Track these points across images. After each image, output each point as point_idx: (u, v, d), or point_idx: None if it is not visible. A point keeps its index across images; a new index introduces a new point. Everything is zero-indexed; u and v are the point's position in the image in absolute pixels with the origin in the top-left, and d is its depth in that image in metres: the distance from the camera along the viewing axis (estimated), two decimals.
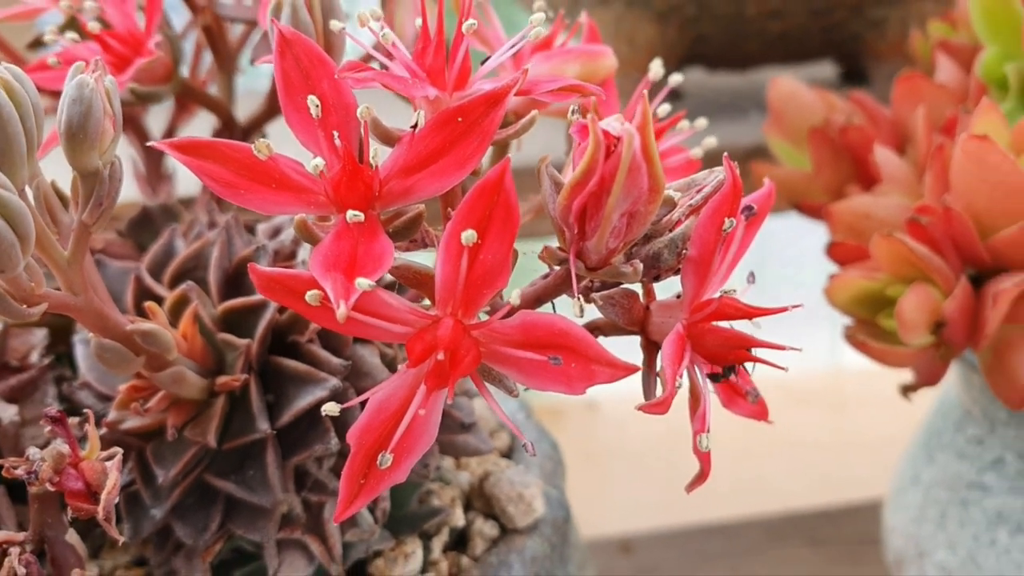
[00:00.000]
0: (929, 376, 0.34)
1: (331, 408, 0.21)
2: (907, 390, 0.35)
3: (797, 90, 0.40)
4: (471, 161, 0.22)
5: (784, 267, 1.14)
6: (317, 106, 0.22)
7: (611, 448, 1.06)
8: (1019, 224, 0.31)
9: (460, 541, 0.32)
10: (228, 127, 0.34)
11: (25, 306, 0.22)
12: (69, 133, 0.21)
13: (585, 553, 0.38)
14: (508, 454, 0.36)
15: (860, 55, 0.58)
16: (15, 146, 0.21)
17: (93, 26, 0.30)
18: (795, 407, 1.13)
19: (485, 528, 0.32)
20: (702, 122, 0.31)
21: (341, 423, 0.27)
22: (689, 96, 0.63)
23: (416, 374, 0.21)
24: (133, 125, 0.38)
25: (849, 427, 1.03)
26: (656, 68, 0.29)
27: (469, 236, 0.20)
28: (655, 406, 0.23)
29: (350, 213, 0.21)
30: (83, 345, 0.29)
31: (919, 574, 0.44)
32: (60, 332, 0.34)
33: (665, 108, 0.29)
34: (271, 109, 0.35)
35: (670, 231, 0.23)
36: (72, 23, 0.40)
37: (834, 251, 0.35)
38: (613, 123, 0.20)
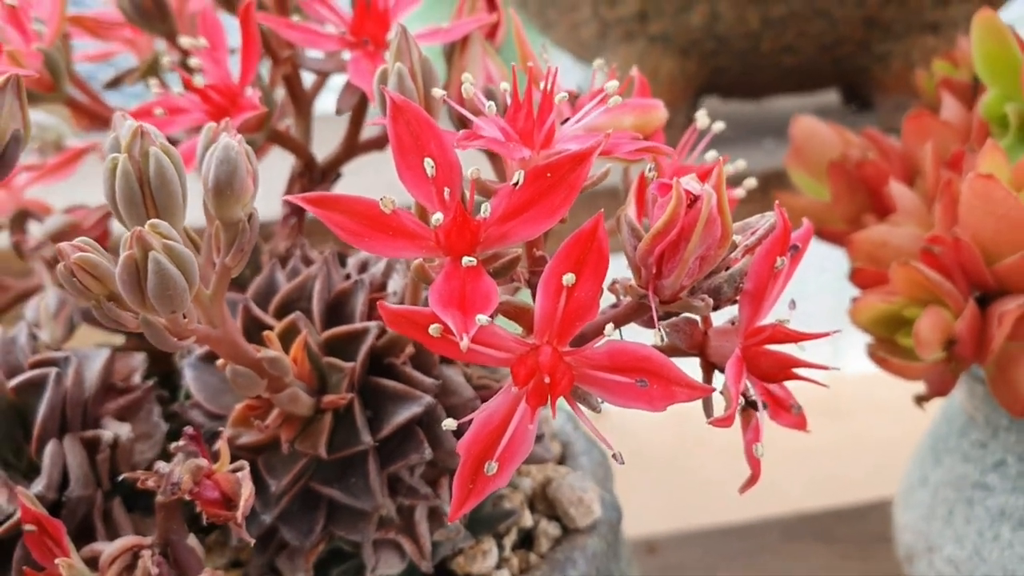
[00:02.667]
0: (940, 387, 0.38)
1: (449, 423, 0.25)
2: (920, 400, 0.39)
3: (817, 127, 0.44)
4: (559, 211, 0.26)
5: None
6: (432, 166, 0.25)
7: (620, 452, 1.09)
8: (1021, 253, 0.35)
9: (525, 540, 0.36)
10: (309, 167, 0.38)
11: (176, 339, 0.25)
12: (217, 189, 0.25)
13: (630, 551, 0.42)
14: (562, 461, 0.40)
15: (866, 86, 0.62)
16: (176, 201, 0.25)
17: (198, 80, 0.34)
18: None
19: (549, 528, 0.36)
20: (741, 164, 0.34)
21: (432, 436, 0.31)
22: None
23: (518, 394, 0.25)
24: None
25: (851, 432, 1.07)
26: (702, 119, 0.33)
27: (569, 278, 0.24)
28: (722, 421, 0.27)
29: (465, 259, 0.25)
30: (192, 369, 0.32)
31: (929, 568, 0.48)
32: (155, 356, 0.38)
33: (712, 154, 0.33)
34: (347, 151, 0.38)
35: (727, 268, 0.27)
36: (151, 69, 0.44)
37: (856, 276, 0.38)
38: (692, 183, 0.24)
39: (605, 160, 0.28)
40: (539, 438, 0.34)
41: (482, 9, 0.37)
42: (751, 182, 0.34)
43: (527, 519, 0.35)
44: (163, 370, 0.37)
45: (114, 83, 0.44)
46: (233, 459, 0.29)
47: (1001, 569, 0.44)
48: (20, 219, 0.42)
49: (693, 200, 0.24)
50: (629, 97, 0.35)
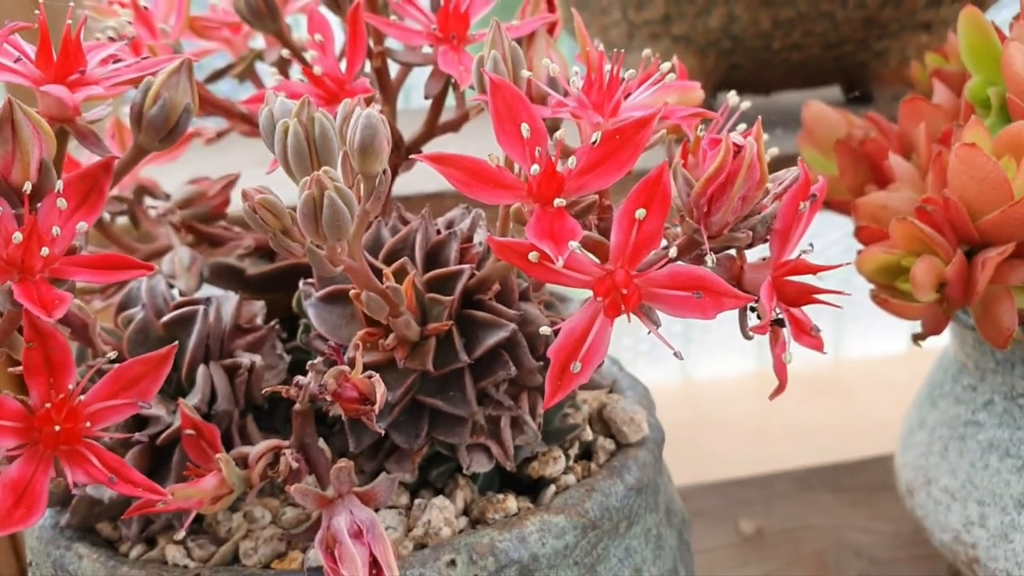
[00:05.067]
0: (934, 327, 0.45)
1: (545, 330, 0.32)
2: (916, 338, 0.46)
3: (825, 111, 0.51)
4: (627, 166, 0.32)
5: None
6: (528, 130, 0.32)
7: None
8: (1000, 209, 0.41)
9: (586, 454, 0.42)
10: (397, 145, 0.45)
11: (331, 265, 0.32)
12: (362, 148, 0.31)
13: (671, 475, 0.48)
14: (612, 390, 0.47)
15: (866, 80, 0.69)
16: (334, 155, 0.31)
17: (317, 69, 0.40)
18: (804, 394, 1.24)
19: (606, 444, 0.42)
20: (764, 137, 0.41)
21: (515, 357, 0.37)
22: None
23: (597, 306, 0.32)
24: None
25: (854, 410, 1.14)
26: (732, 98, 0.40)
27: (641, 213, 0.31)
28: (759, 328, 0.33)
29: (556, 201, 0.31)
30: (314, 308, 0.39)
31: (927, 498, 0.54)
32: (272, 305, 0.44)
33: (742, 126, 0.40)
34: (428, 132, 0.45)
35: (762, 212, 0.34)
36: (250, 65, 0.51)
37: (860, 233, 0.45)
38: (737, 137, 0.30)
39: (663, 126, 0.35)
40: (599, 367, 0.41)
41: (544, 9, 0.43)
42: (774, 151, 0.41)
43: (588, 434, 0.42)
44: (275, 315, 0.44)
45: (216, 76, 0.51)
46: None
47: (990, 493, 0.51)
48: (139, 194, 0.49)
49: (738, 150, 0.30)
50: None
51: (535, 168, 0.32)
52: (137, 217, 0.48)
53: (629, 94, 0.36)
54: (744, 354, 1.32)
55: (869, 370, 1.29)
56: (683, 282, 0.31)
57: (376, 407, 0.33)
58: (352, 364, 0.35)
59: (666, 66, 0.35)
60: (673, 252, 0.31)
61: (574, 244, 0.30)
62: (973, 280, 0.42)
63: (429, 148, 0.46)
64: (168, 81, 0.33)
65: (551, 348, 0.32)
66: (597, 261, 0.32)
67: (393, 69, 0.45)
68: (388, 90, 0.45)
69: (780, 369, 0.36)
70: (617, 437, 0.43)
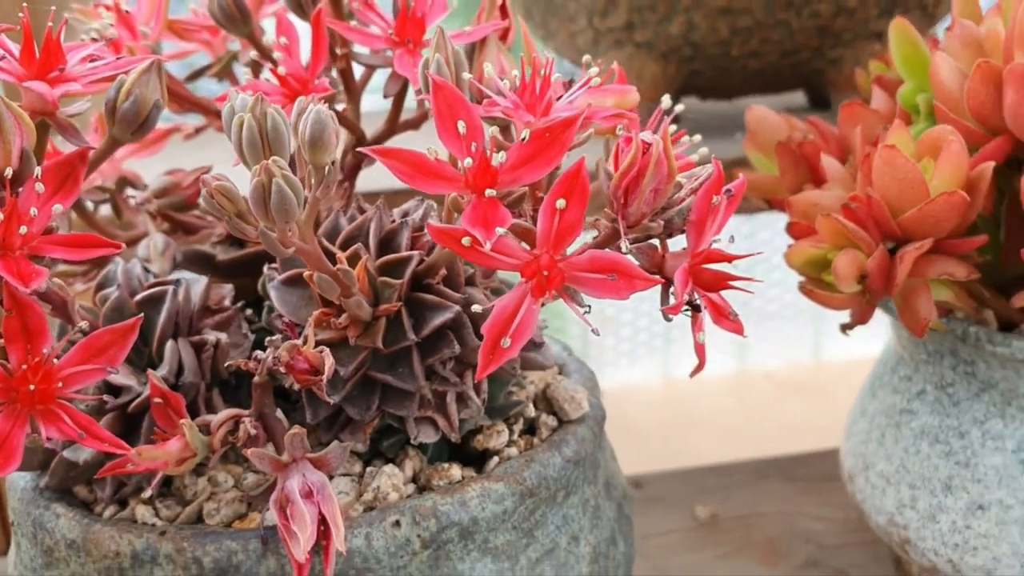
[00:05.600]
0: (861, 317, 0.48)
1: (477, 308, 0.35)
2: (844, 327, 0.49)
3: (767, 114, 0.54)
4: (555, 161, 0.36)
5: (772, 271, 1.29)
6: (464, 127, 0.35)
7: (615, 431, 1.19)
8: (917, 207, 0.44)
9: (530, 430, 0.46)
10: (359, 141, 0.48)
11: (283, 247, 0.35)
12: (312, 141, 0.35)
13: (614, 455, 0.51)
14: (561, 373, 0.50)
15: (823, 86, 0.72)
16: (285, 147, 0.34)
17: (281, 70, 0.43)
18: (783, 394, 1.27)
19: (548, 420, 0.45)
20: (697, 137, 0.44)
21: (459, 336, 0.41)
22: (685, 119, 0.77)
23: (525, 287, 0.35)
24: None
25: (831, 412, 1.17)
26: (666, 101, 0.43)
27: (561, 203, 0.34)
28: (671, 309, 0.36)
29: (488, 191, 0.34)
30: (276, 290, 0.42)
31: (865, 483, 0.58)
32: (240, 289, 0.48)
33: (673, 127, 0.43)
34: (390, 130, 0.49)
35: (678, 205, 0.37)
36: (227, 65, 0.54)
37: (792, 229, 0.48)
38: (647, 135, 0.34)
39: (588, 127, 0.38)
40: (540, 346, 0.44)
41: (497, 17, 0.47)
42: (704, 150, 0.44)
43: (531, 411, 0.45)
44: (243, 299, 0.47)
45: (195, 75, 0.54)
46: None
47: (920, 477, 0.54)
48: (120, 184, 0.52)
49: (647, 148, 0.34)
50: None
51: (468, 161, 0.35)
52: (119, 206, 0.52)
53: (560, 97, 0.39)
54: (723, 354, 1.35)
55: (847, 371, 1.32)
56: (601, 266, 0.35)
57: (324, 378, 0.37)
58: (310, 340, 0.38)
59: (593, 71, 0.38)
60: (583, 245, 0.34)
61: (501, 230, 0.34)
62: (893, 273, 0.45)
63: (391, 144, 0.49)
64: (139, 79, 0.37)
65: (484, 325, 0.35)
66: (527, 247, 0.35)
67: (359, 71, 0.49)
68: (352, 90, 0.48)
69: (699, 349, 0.39)
70: (559, 414, 0.46)
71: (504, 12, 0.47)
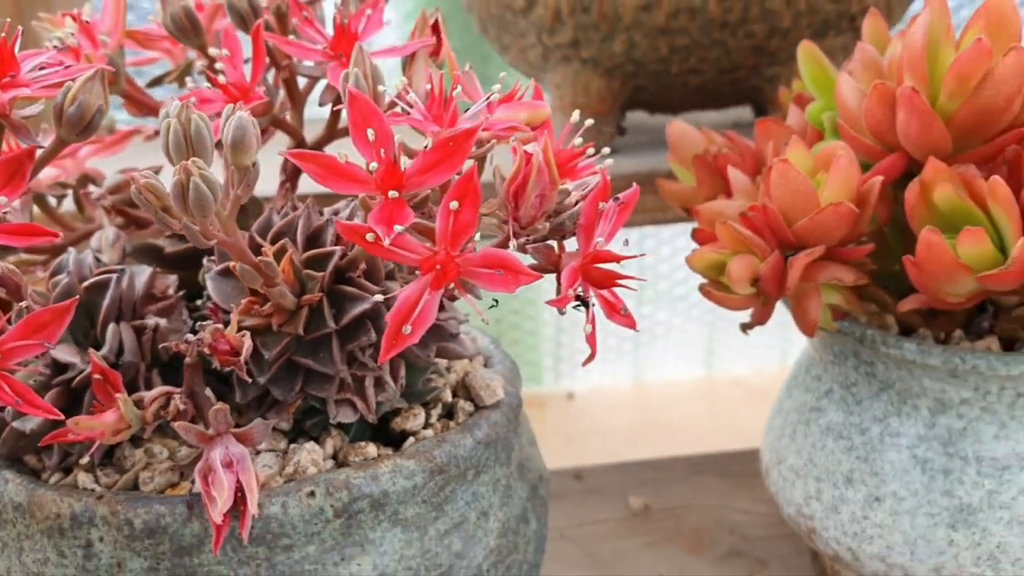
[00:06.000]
0: (759, 318, 0.52)
1: (379, 297, 0.39)
2: (744, 327, 0.53)
3: (687, 129, 0.58)
4: (456, 167, 0.39)
5: None
6: (373, 135, 0.39)
7: (584, 432, 1.23)
8: (808, 216, 0.48)
9: (450, 415, 0.49)
10: (300, 145, 0.52)
11: (205, 239, 0.39)
12: (233, 144, 0.39)
13: (534, 441, 0.55)
14: (485, 365, 0.54)
15: (762, 103, 0.76)
16: (207, 150, 0.38)
17: (222, 78, 0.47)
18: (751, 400, 1.30)
19: (465, 406, 0.49)
20: (606, 150, 0.48)
21: (377, 325, 0.44)
22: (633, 131, 0.81)
23: (424, 282, 0.39)
24: None
25: None
26: (575, 116, 0.47)
27: (455, 205, 0.38)
28: (555, 303, 0.40)
29: (391, 192, 0.38)
30: (212, 280, 0.46)
31: (778, 476, 0.61)
32: (183, 280, 0.51)
33: (579, 140, 0.47)
34: (329, 135, 0.52)
35: (570, 210, 0.41)
36: (184, 72, 0.58)
37: (697, 235, 0.52)
38: (531, 147, 0.38)
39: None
40: (456, 336, 0.48)
41: (429, 34, 0.51)
42: (609, 161, 0.48)
43: (448, 397, 0.49)
44: (188, 289, 0.51)
45: (155, 82, 0.58)
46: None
47: (825, 471, 0.57)
48: (83, 181, 0.56)
49: (530, 158, 0.38)
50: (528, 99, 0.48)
51: (374, 165, 0.39)
52: (81, 201, 0.56)
53: (469, 109, 0.43)
54: (693, 361, 1.39)
55: None
56: (491, 262, 0.39)
57: (242, 359, 0.40)
58: (233, 325, 0.42)
59: (496, 87, 0.42)
60: (479, 242, 0.38)
61: (399, 228, 0.37)
62: (786, 277, 0.49)
63: (329, 150, 0.53)
64: (84, 86, 0.41)
65: (389, 313, 0.39)
66: (428, 244, 0.39)
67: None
68: (295, 98, 0.52)
69: (590, 340, 0.43)
70: (476, 401, 0.50)
71: (437, 31, 0.51)
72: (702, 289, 0.51)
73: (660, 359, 1.39)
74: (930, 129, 0.48)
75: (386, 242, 0.37)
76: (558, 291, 0.42)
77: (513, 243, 0.39)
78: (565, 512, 0.71)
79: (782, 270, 0.49)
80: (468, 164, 0.39)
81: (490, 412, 0.49)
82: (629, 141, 0.80)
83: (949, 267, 0.46)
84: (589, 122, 0.48)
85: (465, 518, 0.46)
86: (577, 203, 0.41)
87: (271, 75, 0.51)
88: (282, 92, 0.52)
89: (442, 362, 0.51)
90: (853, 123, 0.52)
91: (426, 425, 0.48)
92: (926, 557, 0.54)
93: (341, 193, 0.39)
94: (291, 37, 0.50)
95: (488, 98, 0.43)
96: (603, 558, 0.66)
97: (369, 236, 0.38)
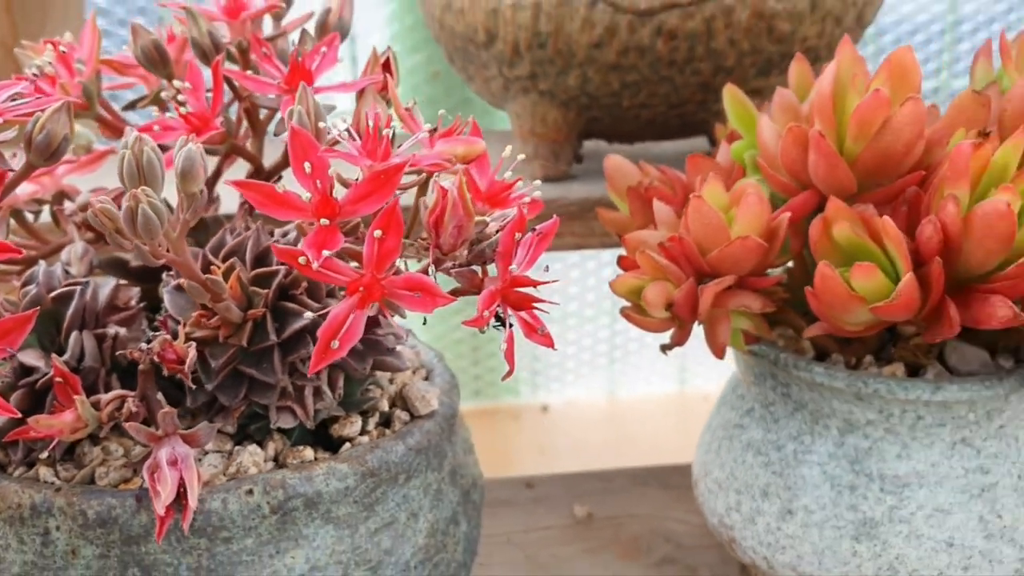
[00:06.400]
0: (677, 340, 0.56)
1: (309, 314, 0.43)
2: (663, 348, 0.57)
3: (621, 163, 0.62)
4: (386, 197, 0.43)
5: None
6: (310, 168, 0.43)
7: (557, 444, 1.27)
8: (719, 248, 0.52)
9: (387, 423, 0.54)
10: (258, 171, 0.56)
11: (154, 259, 0.43)
12: (183, 173, 0.43)
13: (471, 449, 0.59)
14: (427, 378, 0.58)
15: (712, 135, 0.80)
16: (158, 179, 0.43)
17: (184, 109, 0.52)
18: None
19: (402, 415, 0.53)
20: (537, 182, 0.52)
21: (316, 340, 0.49)
22: (593, 158, 0.85)
23: (351, 302, 0.43)
24: None
25: None
26: (507, 151, 0.51)
27: (378, 233, 0.42)
28: (472, 322, 0.44)
29: (323, 220, 0.43)
30: (168, 294, 0.50)
31: (705, 488, 0.65)
32: (146, 292, 0.56)
33: (508, 174, 0.51)
34: (285, 162, 0.57)
35: (489, 239, 0.45)
36: (156, 98, 0.62)
37: (621, 262, 0.56)
38: (446, 183, 0.42)
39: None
40: (393, 351, 0.52)
41: (379, 72, 0.55)
42: (538, 193, 0.52)
43: (385, 406, 0.53)
44: (150, 300, 0.55)
45: (130, 106, 0.62)
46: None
47: (744, 484, 0.61)
48: (59, 197, 0.60)
49: (446, 192, 0.42)
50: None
51: (308, 195, 0.43)
52: (57, 217, 0.60)
53: (403, 144, 0.47)
54: (666, 378, 1.43)
55: None
56: (412, 285, 0.43)
57: (186, 367, 0.45)
58: (184, 336, 0.46)
59: (426, 127, 0.47)
60: (406, 266, 0.42)
61: (327, 252, 0.42)
62: (699, 304, 0.53)
63: (287, 175, 0.57)
64: (52, 116, 0.45)
65: (319, 329, 0.43)
66: (357, 267, 0.43)
67: None
68: (256, 127, 0.57)
69: (508, 356, 0.47)
70: (412, 411, 0.54)
71: (388, 68, 0.55)
72: (622, 312, 0.55)
73: (634, 375, 1.43)
74: (836, 170, 0.52)
75: (315, 265, 0.41)
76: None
77: (431, 269, 0.43)
78: (513, 518, 0.75)
79: (695, 297, 0.53)
80: (407, 194, 0.43)
81: (424, 421, 0.53)
82: (588, 167, 0.84)
83: (843, 298, 0.50)
84: (520, 156, 0.53)
85: (395, 518, 0.50)
86: (496, 233, 0.45)
87: (237, 104, 0.56)
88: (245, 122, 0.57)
89: (385, 374, 0.55)
90: (771, 162, 0.56)
91: (363, 432, 0.52)
92: (832, 567, 0.58)
93: (281, 219, 0.44)
94: (251, 71, 0.54)
95: (418, 135, 0.47)
96: (543, 562, 0.70)
97: (301, 259, 0.42)
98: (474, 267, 0.46)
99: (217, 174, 0.60)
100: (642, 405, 1.41)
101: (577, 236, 0.77)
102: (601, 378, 1.42)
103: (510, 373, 0.48)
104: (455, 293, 0.47)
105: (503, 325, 0.46)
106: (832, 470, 0.58)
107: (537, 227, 0.46)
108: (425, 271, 0.45)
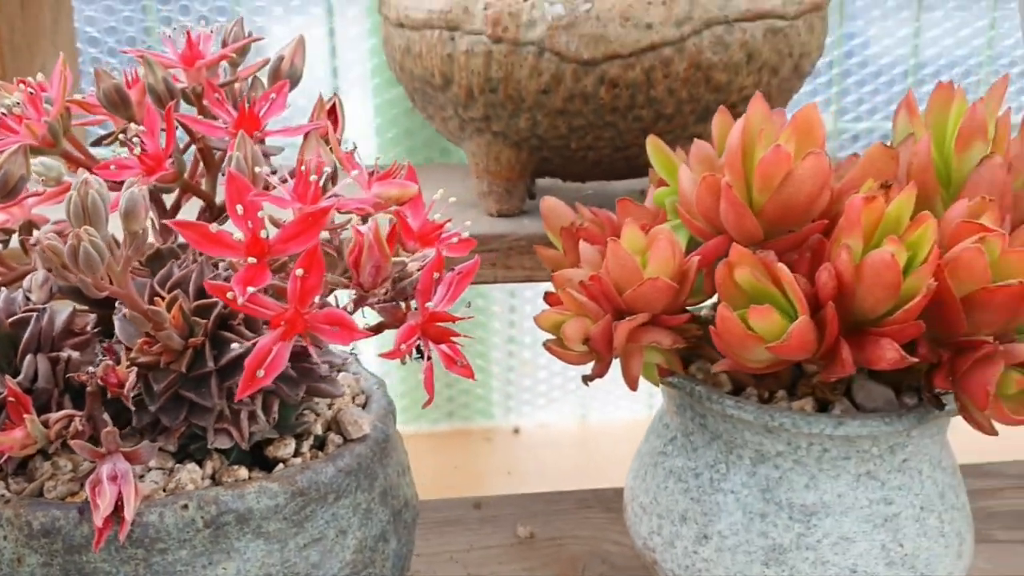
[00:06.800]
0: (597, 372, 0.59)
1: (235, 346, 0.47)
2: (585, 379, 0.60)
3: (556, 204, 0.66)
4: (313, 237, 0.47)
5: None
6: (242, 209, 0.47)
7: (526, 466, 1.31)
8: (632, 288, 0.56)
9: (322, 446, 0.57)
10: (210, 207, 0.60)
11: (97, 291, 0.47)
12: (124, 213, 0.47)
13: (406, 471, 0.63)
14: (365, 404, 0.62)
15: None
16: (101, 218, 0.47)
17: (137, 151, 0.56)
18: None
19: (335, 439, 0.57)
20: (467, 223, 0.56)
21: None
22: (553, 194, 0.89)
23: (275, 334, 0.47)
24: (157, 202, 0.64)
25: None
26: (439, 193, 0.55)
27: (300, 272, 0.46)
28: (389, 355, 0.48)
29: (250, 258, 0.46)
30: (119, 321, 0.54)
31: (632, 512, 0.69)
32: (102, 318, 0.60)
33: (437, 216, 0.55)
34: None
35: (410, 278, 0.49)
36: (118, 137, 0.66)
37: (547, 297, 0.60)
38: (363, 227, 0.46)
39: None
40: (327, 379, 0.56)
41: (324, 118, 0.59)
42: (466, 233, 0.56)
43: (319, 429, 0.57)
44: (106, 326, 0.59)
45: (97, 143, 0.66)
46: (137, 372, 0.51)
47: (666, 509, 0.65)
48: (27, 227, 0.64)
49: (362, 236, 0.46)
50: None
51: (238, 235, 0.47)
52: (24, 246, 0.64)
53: (336, 186, 0.51)
54: (635, 401, 1.46)
55: None
56: (331, 320, 0.47)
57: (127, 390, 0.49)
58: (129, 361, 0.50)
59: (354, 173, 0.51)
60: (331, 299, 0.46)
61: (251, 289, 0.46)
62: (614, 339, 0.57)
63: None
64: (9, 158, 0.49)
65: (247, 359, 0.47)
66: (281, 303, 0.47)
67: None
68: (210, 166, 0.61)
69: (427, 386, 0.51)
70: (345, 435, 0.58)
71: (334, 115, 0.60)
72: (545, 345, 0.59)
73: (605, 400, 1.46)
74: (743, 218, 0.56)
75: (240, 300, 0.45)
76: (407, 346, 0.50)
77: (350, 304, 0.47)
78: (459, 537, 0.79)
79: (610, 332, 0.57)
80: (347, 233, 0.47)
81: (355, 445, 0.57)
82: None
83: (741, 337, 0.53)
84: (452, 199, 0.57)
85: (324, 535, 0.54)
86: (417, 271, 0.49)
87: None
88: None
89: (325, 399, 0.59)
90: (688, 208, 0.60)
91: (298, 454, 0.56)
92: None
93: (215, 256, 0.48)
94: (206, 115, 0.58)
95: (341, 177, 0.51)
96: None
97: (230, 294, 0.46)
98: (398, 303, 0.50)
99: (176, 208, 0.64)
100: (612, 429, 1.45)
101: (527, 269, 0.81)
102: (572, 402, 1.45)
103: (429, 401, 0.52)
104: (380, 327, 0.51)
105: (422, 357, 0.50)
106: (745, 498, 0.61)
107: (457, 267, 0.50)
108: (359, 305, 0.49)
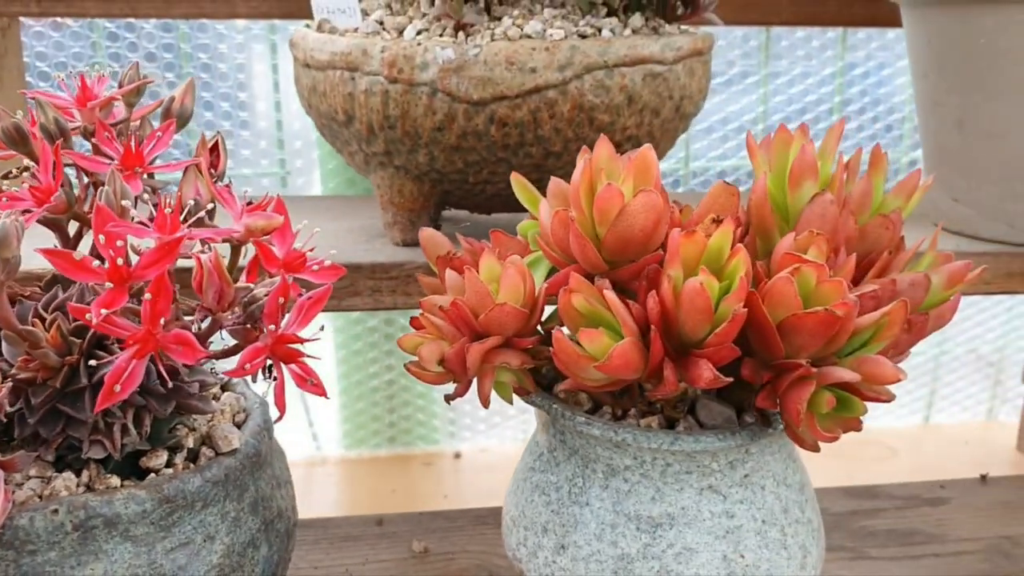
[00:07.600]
0: (459, 392, 0.64)
1: (104, 364, 0.52)
2: (447, 398, 0.65)
3: (433, 235, 0.71)
4: (169, 264, 0.52)
5: None
6: (104, 238, 0.52)
7: (464, 490, 1.35)
8: (484, 313, 0.61)
9: (196, 459, 0.62)
10: None
11: None
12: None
13: (283, 484, 0.67)
14: (244, 421, 0.66)
15: None
16: None
17: (29, 182, 0.61)
18: None
19: (207, 452, 0.62)
20: (332, 251, 0.61)
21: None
22: (450, 226, 0.94)
23: (130, 352, 0.51)
24: (60, 231, 0.69)
25: None
26: (302, 224, 0.60)
27: (150, 296, 0.50)
28: (233, 372, 0.53)
29: (107, 284, 0.51)
30: (4, 339, 0.59)
31: (504, 524, 0.73)
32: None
33: (303, 249, 0.60)
34: None
35: (260, 302, 0.54)
36: (20, 172, 0.71)
37: (412, 321, 0.65)
38: (203, 257, 0.51)
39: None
40: (197, 396, 0.61)
41: (206, 154, 0.64)
42: (328, 259, 0.60)
43: (191, 443, 0.62)
44: None
45: (4, 177, 0.71)
46: (15, 390, 0.55)
47: (531, 522, 0.69)
48: None
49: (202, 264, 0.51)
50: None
51: (96, 262, 0.52)
52: None
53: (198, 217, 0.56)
54: None
55: None
56: (178, 340, 0.51)
57: (4, 405, 0.53)
58: (6, 377, 0.55)
59: (209, 206, 0.56)
60: (185, 321, 0.51)
61: (105, 311, 0.50)
62: (468, 360, 0.62)
63: None
64: None
65: (107, 375, 0.52)
66: (134, 323, 0.52)
67: None
68: None
69: (278, 403, 0.56)
70: (217, 449, 0.62)
71: (216, 153, 0.65)
72: (406, 366, 0.64)
73: None
74: (586, 249, 0.61)
75: (95, 321, 0.50)
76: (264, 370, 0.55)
77: (196, 326, 0.52)
78: (356, 552, 0.83)
79: (463, 354, 0.62)
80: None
81: (225, 458, 0.61)
82: (445, 233, 0.93)
83: (574, 358, 0.58)
84: (316, 230, 0.62)
85: (191, 539, 0.59)
86: (264, 297, 0.54)
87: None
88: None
89: (200, 419, 0.64)
90: (547, 240, 0.65)
91: (171, 465, 0.60)
92: None
93: (80, 281, 0.53)
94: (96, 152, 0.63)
95: (210, 207, 0.56)
96: None
97: (88, 315, 0.51)
98: (250, 326, 0.55)
99: (78, 237, 0.69)
100: None
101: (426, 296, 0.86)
102: (514, 427, 1.50)
103: (280, 418, 0.56)
104: (234, 349, 0.56)
105: (269, 376, 0.55)
106: (598, 510, 0.66)
107: (309, 292, 0.55)
108: (215, 329, 0.53)
